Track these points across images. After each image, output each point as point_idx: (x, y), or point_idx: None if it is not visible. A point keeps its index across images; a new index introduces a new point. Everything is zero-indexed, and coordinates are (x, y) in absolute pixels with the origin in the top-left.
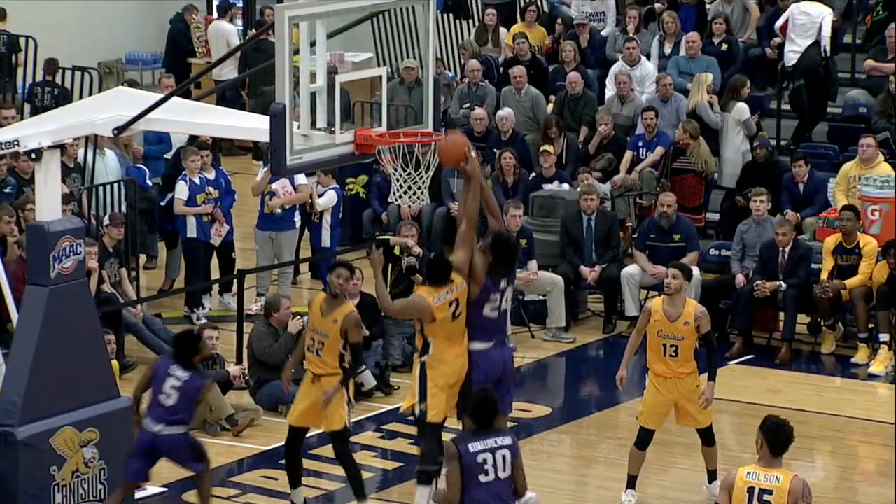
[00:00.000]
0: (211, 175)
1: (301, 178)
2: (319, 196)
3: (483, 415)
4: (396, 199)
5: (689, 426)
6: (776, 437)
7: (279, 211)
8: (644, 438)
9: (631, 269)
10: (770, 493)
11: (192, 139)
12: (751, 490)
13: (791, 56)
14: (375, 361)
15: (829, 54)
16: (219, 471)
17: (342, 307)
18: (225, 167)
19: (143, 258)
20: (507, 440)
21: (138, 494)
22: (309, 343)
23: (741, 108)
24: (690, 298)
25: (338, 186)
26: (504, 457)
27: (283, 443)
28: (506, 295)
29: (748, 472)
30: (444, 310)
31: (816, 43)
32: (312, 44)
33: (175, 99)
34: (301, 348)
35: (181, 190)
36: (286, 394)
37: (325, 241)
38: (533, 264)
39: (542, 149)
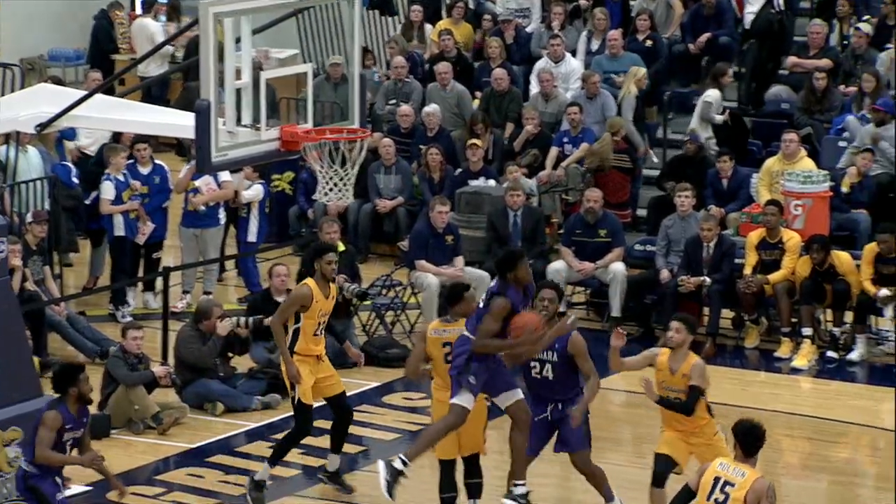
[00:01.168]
0: (146, 169)
1: (225, 175)
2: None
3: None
4: (322, 197)
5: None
6: (745, 438)
7: (203, 208)
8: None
9: (557, 265)
10: (732, 485)
11: (116, 137)
12: (717, 479)
13: (748, 17)
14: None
15: (783, 9)
16: (144, 469)
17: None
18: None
19: (70, 255)
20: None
21: (64, 493)
22: (315, 327)
23: (714, 95)
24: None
25: (264, 182)
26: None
27: (208, 440)
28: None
29: (721, 464)
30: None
31: (770, 2)
32: (238, 40)
33: (99, 96)
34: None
35: (107, 190)
36: (212, 392)
37: (252, 236)
38: (459, 260)
39: (469, 142)
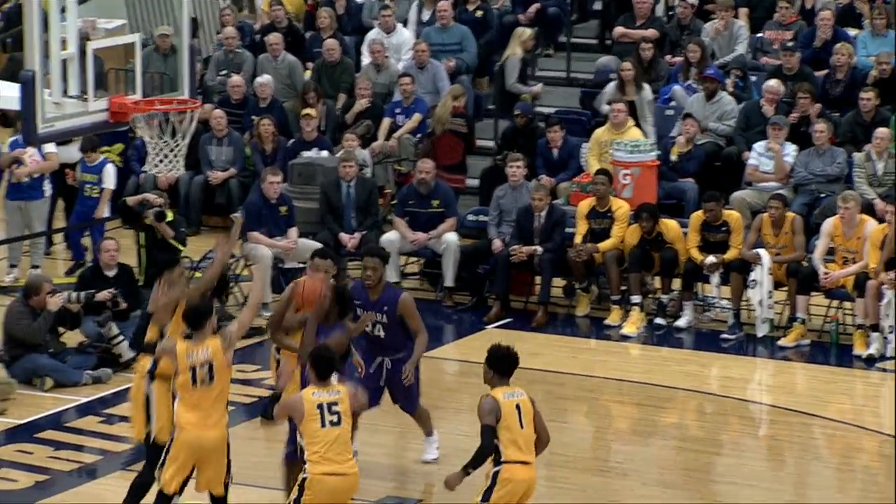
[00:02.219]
0: None
1: (50, 147)
2: (90, 171)
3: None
4: (152, 168)
5: None
6: (499, 364)
7: (27, 180)
8: None
9: (390, 236)
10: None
11: None
12: (518, 407)
13: None
14: (133, 332)
15: None
16: None
17: None
18: None
19: None
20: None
21: None
22: None
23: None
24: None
25: (106, 158)
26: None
27: (38, 416)
28: None
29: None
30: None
31: None
32: (63, 10)
33: None
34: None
35: None
36: (41, 367)
37: (107, 213)
38: (293, 232)
39: (303, 112)
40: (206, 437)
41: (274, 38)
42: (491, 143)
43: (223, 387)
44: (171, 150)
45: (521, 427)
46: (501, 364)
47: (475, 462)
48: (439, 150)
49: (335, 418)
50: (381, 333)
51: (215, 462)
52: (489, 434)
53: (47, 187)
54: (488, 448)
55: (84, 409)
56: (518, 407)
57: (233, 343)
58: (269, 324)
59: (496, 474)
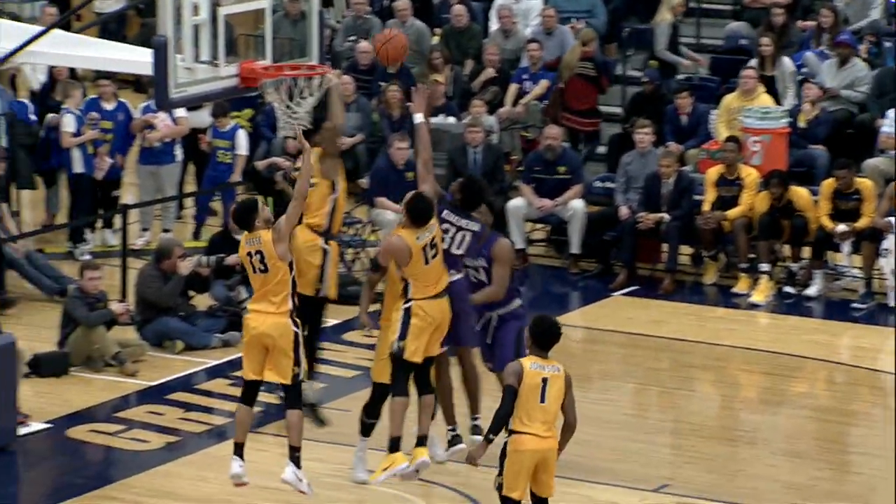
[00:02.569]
0: (111, 106)
1: (180, 112)
2: (224, 137)
3: (544, 340)
4: (282, 134)
5: None
6: (542, 336)
7: (158, 144)
8: None
9: (517, 202)
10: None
11: (72, 73)
12: (544, 380)
13: None
14: None
15: None
16: (104, 406)
17: None
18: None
19: (25, 193)
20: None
21: (22, 430)
22: None
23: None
24: None
25: (237, 123)
26: (463, 236)
27: (168, 378)
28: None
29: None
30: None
31: None
32: None
33: (57, 31)
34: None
35: (67, 122)
36: (171, 330)
37: (237, 177)
38: None
39: (431, 78)
40: (266, 322)
41: (402, 3)
42: (619, 110)
43: (280, 277)
44: (300, 116)
45: (542, 401)
46: (540, 337)
47: (495, 428)
48: (569, 96)
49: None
50: (484, 278)
51: (279, 350)
52: (510, 396)
53: (178, 152)
54: (506, 410)
55: (213, 372)
56: (545, 381)
57: (282, 234)
58: None
59: (505, 445)
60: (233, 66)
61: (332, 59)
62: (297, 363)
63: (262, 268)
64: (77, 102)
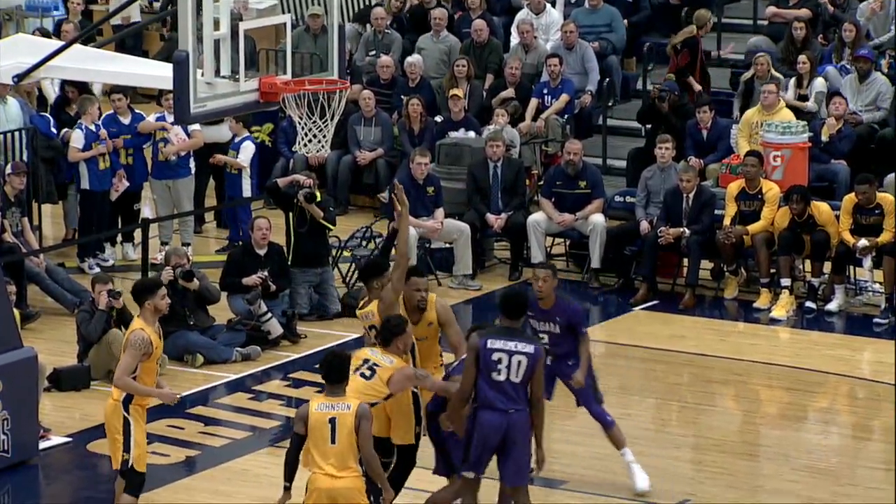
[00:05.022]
0: (127, 119)
1: (195, 125)
2: (232, 146)
3: (511, 309)
4: (301, 148)
5: None
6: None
7: (174, 158)
8: None
9: (537, 217)
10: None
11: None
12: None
13: None
14: (283, 310)
15: None
16: None
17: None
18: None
19: (46, 207)
20: (530, 348)
21: (42, 445)
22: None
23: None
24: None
25: (250, 135)
26: (520, 362)
27: (188, 392)
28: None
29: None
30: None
31: None
32: None
33: (77, 46)
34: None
35: (76, 138)
36: (192, 344)
37: (247, 191)
38: (440, 212)
39: (451, 93)
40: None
41: (438, 13)
42: (638, 125)
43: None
44: (320, 131)
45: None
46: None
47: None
48: None
49: None
50: (547, 341)
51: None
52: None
53: (192, 164)
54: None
55: (233, 386)
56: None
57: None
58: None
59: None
60: (253, 81)
61: (352, 74)
62: (419, 423)
63: (370, 374)
64: (94, 118)
